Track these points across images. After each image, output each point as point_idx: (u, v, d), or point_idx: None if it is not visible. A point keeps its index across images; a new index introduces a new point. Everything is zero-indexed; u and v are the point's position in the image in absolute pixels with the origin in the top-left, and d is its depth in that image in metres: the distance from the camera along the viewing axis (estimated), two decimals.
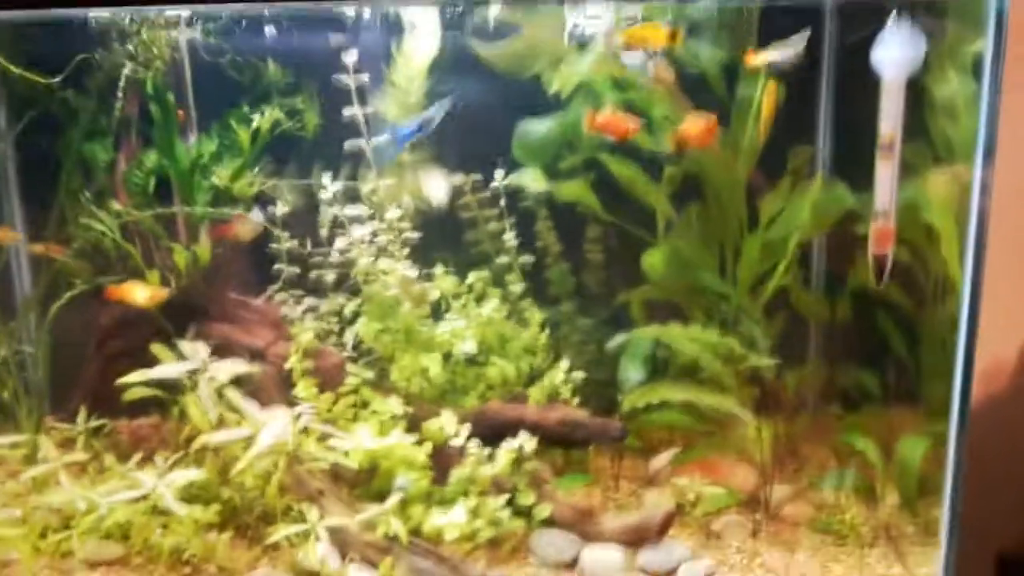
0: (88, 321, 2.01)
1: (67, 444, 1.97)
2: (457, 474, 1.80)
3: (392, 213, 2.00)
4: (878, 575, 1.71)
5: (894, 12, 1.57)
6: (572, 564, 1.75)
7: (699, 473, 1.95)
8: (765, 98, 1.77)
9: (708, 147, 1.86)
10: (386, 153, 1.89)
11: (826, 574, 1.71)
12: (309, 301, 2.09)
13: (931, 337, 1.96)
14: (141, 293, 1.83)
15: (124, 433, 2.04)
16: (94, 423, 1.97)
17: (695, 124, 1.76)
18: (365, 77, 1.92)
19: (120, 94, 1.91)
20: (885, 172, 1.62)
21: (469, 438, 1.82)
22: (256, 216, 1.92)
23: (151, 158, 1.98)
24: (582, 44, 1.98)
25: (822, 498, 1.97)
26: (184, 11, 1.84)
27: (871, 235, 1.65)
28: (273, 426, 1.67)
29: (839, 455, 2.05)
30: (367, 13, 1.85)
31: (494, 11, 1.93)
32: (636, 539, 1.78)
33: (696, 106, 2.00)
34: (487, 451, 1.82)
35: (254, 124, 1.88)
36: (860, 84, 1.75)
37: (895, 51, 1.57)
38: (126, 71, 1.91)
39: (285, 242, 2.02)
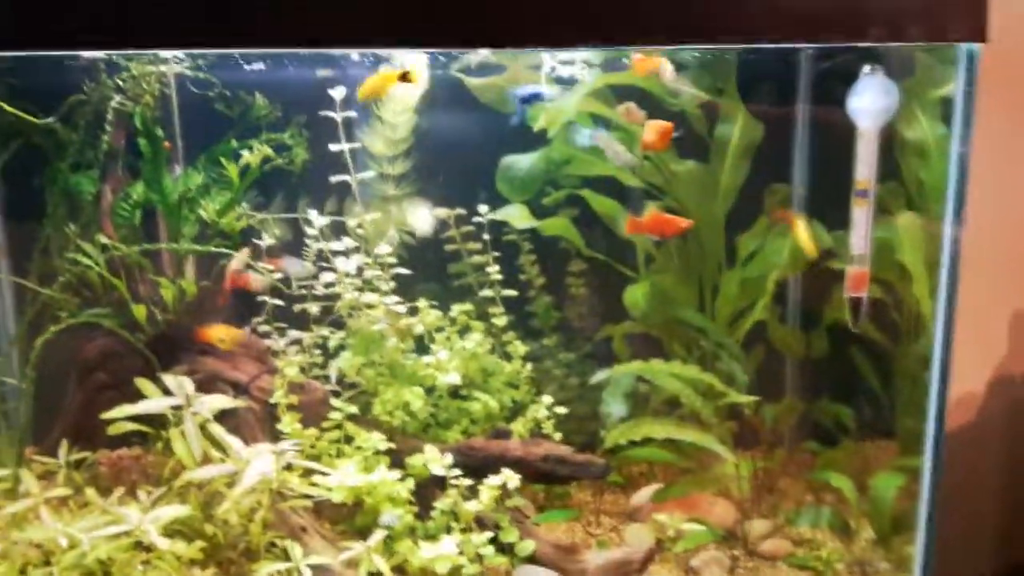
0: (71, 354, 2.01)
1: (47, 477, 1.96)
2: (441, 506, 1.81)
3: (380, 248, 2.02)
4: None
5: (867, 64, 1.62)
6: None
7: (679, 509, 1.97)
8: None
9: (664, 149, 1.94)
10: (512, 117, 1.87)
11: None
12: (293, 334, 2.09)
13: (904, 373, 2.01)
14: (224, 334, 1.92)
15: (104, 465, 2.03)
16: (76, 456, 1.95)
17: (653, 129, 1.82)
18: (353, 113, 1.95)
19: (108, 127, 1.91)
20: (860, 217, 1.67)
21: (452, 470, 1.83)
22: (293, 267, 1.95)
23: (138, 190, 1.98)
24: (559, 83, 2.03)
25: (799, 534, 2.00)
26: (174, 52, 1.85)
27: (847, 278, 1.70)
28: (258, 463, 1.68)
29: (815, 491, 2.09)
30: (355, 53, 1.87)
31: (481, 54, 1.96)
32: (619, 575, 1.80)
33: (676, 145, 2.06)
34: (471, 485, 1.83)
35: (243, 160, 1.89)
36: (834, 129, 1.81)
37: (869, 101, 1.63)
38: (114, 104, 1.91)
39: (270, 275, 2.03)
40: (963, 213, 1.60)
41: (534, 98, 1.88)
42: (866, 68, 1.66)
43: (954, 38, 1.48)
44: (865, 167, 1.65)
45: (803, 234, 1.90)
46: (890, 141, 1.82)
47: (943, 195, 1.64)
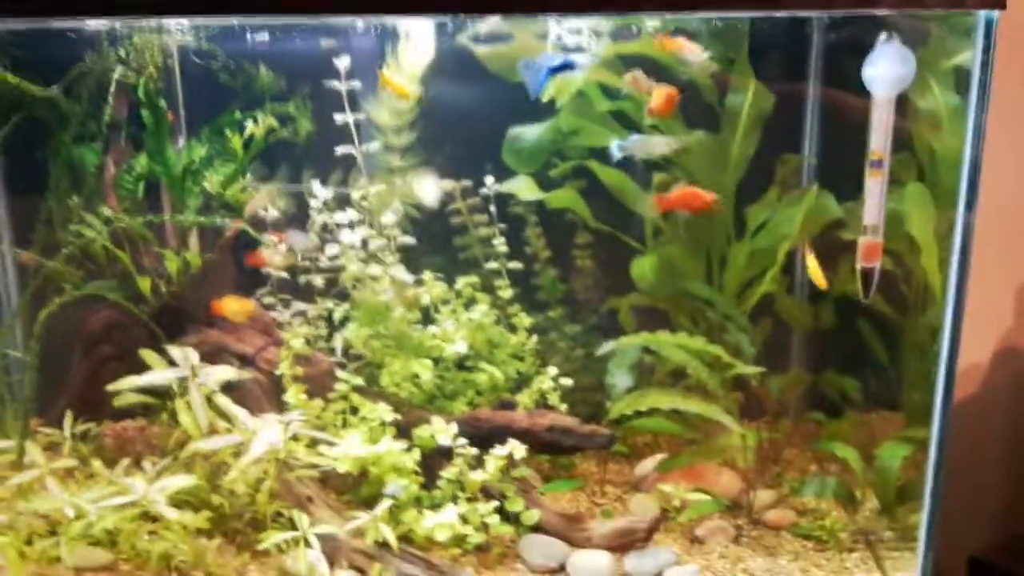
0: (76, 326, 2.01)
1: (52, 448, 1.96)
2: (446, 475, 1.82)
3: (384, 218, 2.01)
4: None
5: (883, 32, 1.59)
6: (560, 569, 1.78)
7: (684, 479, 1.98)
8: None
9: (669, 114, 1.92)
10: (533, 85, 1.83)
11: None
12: (298, 306, 2.09)
13: (912, 344, 2.00)
14: (237, 306, 1.92)
15: (109, 436, 2.04)
16: (80, 428, 1.96)
17: (660, 95, 1.82)
18: (357, 83, 1.92)
19: (110, 99, 1.89)
20: (874, 187, 1.65)
21: (457, 440, 1.83)
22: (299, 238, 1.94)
23: (141, 162, 1.97)
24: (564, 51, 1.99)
25: (804, 503, 2.01)
26: (178, 21, 1.82)
27: (859, 249, 1.68)
28: (265, 433, 1.68)
29: (821, 461, 2.09)
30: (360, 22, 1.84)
31: (489, 23, 1.93)
32: (623, 544, 1.81)
33: (685, 116, 2.03)
34: (477, 456, 1.84)
35: (248, 131, 1.87)
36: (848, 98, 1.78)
37: (885, 69, 1.60)
38: (116, 75, 1.89)
39: (275, 247, 2.02)
40: (977, 183, 1.58)
41: (565, 67, 1.83)
42: (882, 36, 1.63)
43: (972, 4, 1.46)
44: (880, 137, 1.63)
45: (813, 265, 1.90)
46: (903, 112, 1.80)
47: (955, 166, 1.62)
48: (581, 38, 1.98)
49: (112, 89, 1.91)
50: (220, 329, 1.95)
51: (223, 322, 1.94)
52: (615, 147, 1.89)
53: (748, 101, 2.02)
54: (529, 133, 2.13)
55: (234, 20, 1.76)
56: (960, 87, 1.77)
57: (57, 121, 1.96)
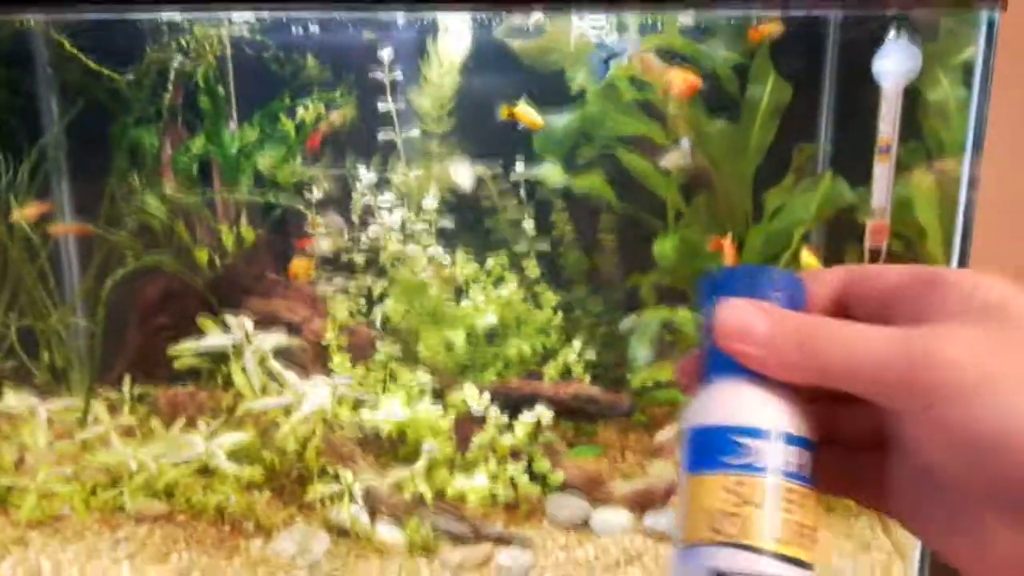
0: (136, 296, 2.17)
1: (113, 410, 2.12)
2: (478, 440, 1.95)
3: (424, 202, 2.14)
4: (863, 542, 1.87)
5: (893, 26, 1.71)
6: (583, 524, 1.91)
7: None
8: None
9: (689, 98, 2.01)
10: (596, 72, 1.93)
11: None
12: (339, 281, 2.23)
13: None
14: (305, 266, 2.07)
15: (163, 400, 2.19)
16: (139, 390, 2.11)
17: (681, 79, 1.91)
18: (399, 74, 2.06)
19: (170, 86, 2.04)
20: (882, 172, 1.77)
21: (489, 408, 1.97)
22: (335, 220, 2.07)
23: (197, 144, 2.12)
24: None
25: None
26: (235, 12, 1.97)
27: (868, 230, 1.80)
28: (315, 394, 1.83)
29: None
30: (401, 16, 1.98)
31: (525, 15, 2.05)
32: (642, 503, 1.94)
33: (707, 104, 2.15)
34: (506, 420, 1.97)
35: (299, 115, 2.01)
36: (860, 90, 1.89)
37: (894, 63, 1.72)
38: (175, 64, 2.04)
39: (320, 226, 2.16)
40: (979, 170, 1.69)
41: (615, 56, 1.93)
42: (891, 33, 1.74)
43: (975, 4, 1.57)
44: (888, 125, 1.74)
45: (811, 261, 1.99)
46: (913, 102, 1.90)
47: (961, 154, 1.73)
48: (602, 33, 2.09)
49: (172, 77, 2.06)
50: (270, 299, 2.10)
51: (274, 293, 2.08)
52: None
53: (767, 92, 2.14)
54: (558, 121, 2.25)
55: (288, 13, 1.90)
56: (967, 81, 1.87)
57: (119, 106, 2.12)
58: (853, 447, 0.50)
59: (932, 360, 0.40)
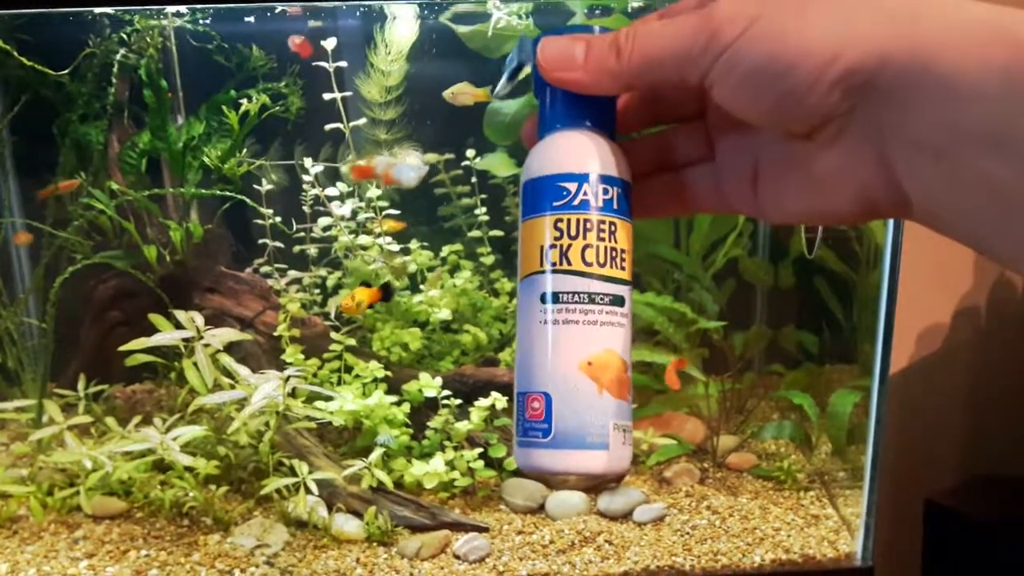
0: (86, 294, 2.15)
1: (68, 409, 2.11)
2: (432, 424, 1.97)
3: (371, 192, 2.15)
4: (811, 515, 1.91)
5: None
6: (540, 508, 1.94)
7: (653, 426, 2.13)
8: None
9: None
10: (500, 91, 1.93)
11: (765, 514, 1.90)
12: (292, 274, 2.23)
13: (863, 301, 2.16)
14: (367, 295, 2.06)
15: (120, 398, 2.19)
16: (94, 389, 2.10)
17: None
18: (344, 63, 2.05)
19: (113, 80, 2.02)
20: None
21: (443, 395, 1.99)
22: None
23: (144, 139, 2.10)
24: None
25: (764, 447, 2.18)
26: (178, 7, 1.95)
27: None
28: (265, 387, 1.83)
29: (780, 409, 2.25)
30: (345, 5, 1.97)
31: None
32: (596, 486, 1.97)
33: None
34: (460, 405, 1.99)
35: (243, 107, 2.00)
36: None
37: None
38: (118, 57, 2.02)
39: (270, 219, 2.16)
40: None
41: (523, 65, 1.93)
42: None
43: None
44: None
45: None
46: None
47: None
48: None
49: (115, 70, 2.04)
50: (221, 295, 2.09)
51: (223, 289, 2.08)
52: None
53: None
54: (507, 107, 2.26)
55: (229, 4, 1.89)
56: None
57: (63, 102, 2.09)
58: (684, 166, 0.60)
59: (715, 17, 0.46)
